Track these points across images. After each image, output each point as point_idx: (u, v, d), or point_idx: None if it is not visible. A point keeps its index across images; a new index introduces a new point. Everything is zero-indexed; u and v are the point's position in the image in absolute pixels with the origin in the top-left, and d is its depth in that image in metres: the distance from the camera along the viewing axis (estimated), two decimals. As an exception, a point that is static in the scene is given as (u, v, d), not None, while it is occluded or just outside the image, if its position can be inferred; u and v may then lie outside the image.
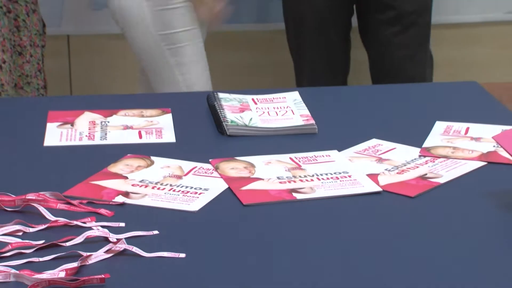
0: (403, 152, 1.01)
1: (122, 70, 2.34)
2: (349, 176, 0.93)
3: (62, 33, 2.34)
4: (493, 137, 0.98)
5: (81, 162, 1.01)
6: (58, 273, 0.68)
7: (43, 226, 0.79)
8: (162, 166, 0.96)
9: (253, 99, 1.19)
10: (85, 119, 1.12)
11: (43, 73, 1.83)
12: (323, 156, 1.00)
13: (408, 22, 1.89)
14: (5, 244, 0.75)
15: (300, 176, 0.93)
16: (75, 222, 0.80)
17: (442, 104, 1.24)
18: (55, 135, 1.07)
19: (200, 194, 0.88)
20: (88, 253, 0.71)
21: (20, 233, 0.78)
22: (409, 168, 0.96)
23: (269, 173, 0.94)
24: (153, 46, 1.62)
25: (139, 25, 1.61)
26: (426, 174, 0.95)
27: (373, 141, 1.05)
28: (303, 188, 0.90)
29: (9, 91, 1.71)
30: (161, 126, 1.10)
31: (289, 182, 0.92)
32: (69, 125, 1.10)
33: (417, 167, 0.97)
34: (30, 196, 0.84)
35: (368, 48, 1.99)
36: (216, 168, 0.95)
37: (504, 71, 2.43)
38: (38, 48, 1.82)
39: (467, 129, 1.09)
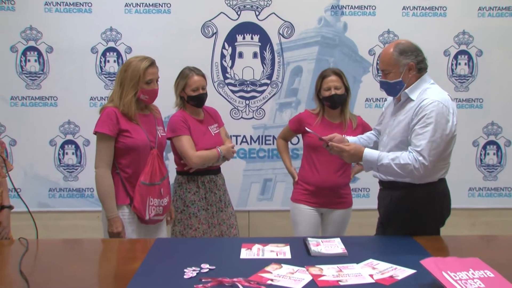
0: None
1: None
2: (359, 275, 2.45)
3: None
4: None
5: (256, 263, 2.54)
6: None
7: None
8: (287, 268, 2.48)
9: (322, 241, 2.77)
10: (256, 247, 2.72)
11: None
12: (349, 267, 2.49)
13: None
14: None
15: (342, 275, 2.44)
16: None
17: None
18: (244, 253, 2.66)
19: (301, 280, 2.38)
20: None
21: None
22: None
23: (329, 272, 2.45)
24: None
25: None
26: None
27: (370, 260, 2.57)
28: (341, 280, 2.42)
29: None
30: (285, 251, 2.68)
31: (337, 276, 2.42)
32: (250, 250, 2.69)
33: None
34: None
35: None
36: (308, 269, 2.49)
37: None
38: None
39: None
